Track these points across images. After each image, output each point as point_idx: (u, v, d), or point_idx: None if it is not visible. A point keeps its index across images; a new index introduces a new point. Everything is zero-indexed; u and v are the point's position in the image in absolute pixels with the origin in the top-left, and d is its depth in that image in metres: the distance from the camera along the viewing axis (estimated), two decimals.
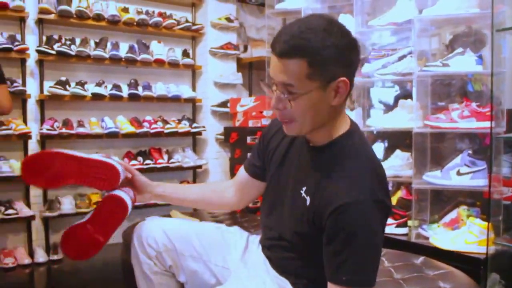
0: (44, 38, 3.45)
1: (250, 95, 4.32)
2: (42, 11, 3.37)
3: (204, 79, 4.12)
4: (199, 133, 4.03)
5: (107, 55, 3.57)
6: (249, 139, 3.76)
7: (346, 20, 2.90)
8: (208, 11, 4.04)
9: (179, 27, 3.91)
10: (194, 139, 4.17)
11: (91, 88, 3.57)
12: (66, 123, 3.47)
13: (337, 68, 1.06)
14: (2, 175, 3.11)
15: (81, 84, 3.54)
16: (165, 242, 1.38)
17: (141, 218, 1.54)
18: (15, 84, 3.26)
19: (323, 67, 1.03)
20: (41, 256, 3.28)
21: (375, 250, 1.07)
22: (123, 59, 3.65)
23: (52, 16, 3.40)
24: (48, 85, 3.40)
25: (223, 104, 4.05)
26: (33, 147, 3.43)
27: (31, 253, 3.31)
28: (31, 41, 3.43)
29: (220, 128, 4.10)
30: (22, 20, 3.39)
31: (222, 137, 4.01)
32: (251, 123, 3.81)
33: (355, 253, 1.03)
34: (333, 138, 1.16)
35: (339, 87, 1.08)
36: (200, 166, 4.01)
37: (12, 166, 3.23)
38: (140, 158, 3.75)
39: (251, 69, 4.34)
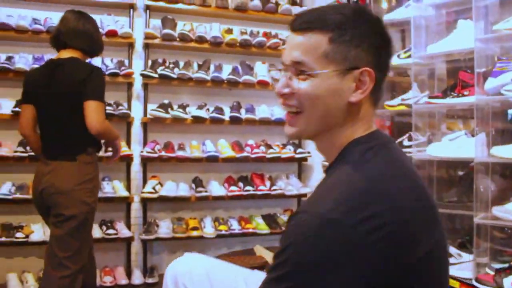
0: (150, 62, 3.67)
1: None
2: (148, 36, 3.62)
3: None
4: (305, 159, 3.90)
5: (208, 77, 3.67)
6: None
7: (466, 26, 2.58)
8: None
9: (284, 46, 3.89)
10: (300, 165, 4.04)
11: (192, 111, 3.68)
12: (167, 146, 3.60)
13: (364, 54, 0.90)
14: (106, 195, 3.30)
15: (183, 107, 3.67)
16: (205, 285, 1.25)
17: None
18: (120, 108, 3.49)
19: (347, 47, 0.89)
20: (137, 277, 3.39)
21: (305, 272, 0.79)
22: (225, 81, 3.72)
23: (157, 41, 3.62)
24: (152, 108, 3.57)
25: None
26: (136, 168, 3.61)
27: (128, 274, 3.43)
28: (138, 65, 3.69)
29: None
30: (130, 46, 3.67)
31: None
32: None
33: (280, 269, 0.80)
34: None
35: (361, 80, 0.90)
36: (304, 195, 3.85)
37: (115, 187, 3.42)
38: (240, 184, 3.72)
39: None
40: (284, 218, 3.82)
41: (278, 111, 3.86)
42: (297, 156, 3.81)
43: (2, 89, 3.47)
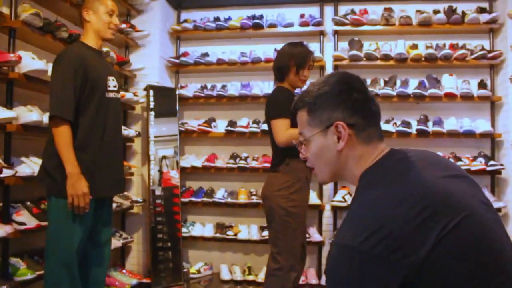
0: None
1: None
2: (336, 58, 4.17)
3: (506, 111, 4.00)
4: (498, 172, 3.90)
5: (394, 93, 4.02)
6: None
7: None
8: (508, 34, 3.98)
9: (472, 56, 4.01)
10: (493, 179, 4.04)
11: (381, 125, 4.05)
12: None
13: (333, 112, 1.21)
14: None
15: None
16: None
17: None
18: None
19: (320, 112, 1.23)
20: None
21: None
22: (411, 95, 4.01)
23: (345, 62, 4.14)
24: None
25: None
26: None
27: (319, 275, 3.97)
28: None
29: None
30: (321, 68, 4.28)
31: None
32: None
33: None
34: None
35: (339, 132, 1.21)
36: (498, 209, 3.85)
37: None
38: None
39: None
40: None
41: (467, 123, 3.97)
42: (488, 168, 3.84)
43: (218, 112, 4.43)
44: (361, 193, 1.17)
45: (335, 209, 4.13)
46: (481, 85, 4.05)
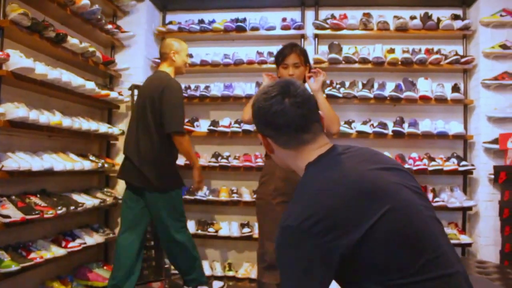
0: None
1: None
2: (316, 61, 4.33)
3: (477, 114, 4.20)
4: (470, 172, 4.09)
5: (372, 95, 4.20)
6: None
7: None
8: (480, 41, 4.18)
9: (446, 61, 4.21)
10: (465, 179, 4.23)
11: (357, 126, 4.23)
12: None
13: (258, 126, 1.53)
14: None
15: (349, 123, 4.26)
16: None
17: None
18: None
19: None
20: None
21: (288, 276, 1.22)
22: (388, 98, 4.19)
23: (324, 65, 4.30)
24: None
25: (496, 140, 4.01)
26: None
27: None
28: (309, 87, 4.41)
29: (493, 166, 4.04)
30: None
31: None
32: None
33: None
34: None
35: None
36: (469, 208, 4.04)
37: None
38: None
39: None
40: (448, 231, 4.03)
41: (441, 125, 4.16)
42: (460, 169, 4.03)
43: (201, 112, 4.57)
44: (303, 180, 1.35)
45: None
46: (455, 88, 4.24)
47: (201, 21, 4.52)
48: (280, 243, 1.23)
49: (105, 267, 3.98)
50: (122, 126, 4.33)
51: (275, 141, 1.44)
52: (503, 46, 4.11)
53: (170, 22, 4.59)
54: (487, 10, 4.19)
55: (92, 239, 3.76)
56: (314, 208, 1.20)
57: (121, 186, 4.31)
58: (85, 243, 3.63)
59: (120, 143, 4.33)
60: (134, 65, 4.34)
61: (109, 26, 4.04)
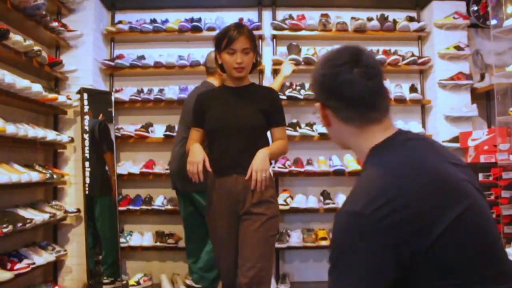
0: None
1: (489, 127, 4.21)
2: (275, 62, 4.19)
3: (434, 113, 4.24)
4: None
5: None
6: (480, 176, 3.69)
7: None
8: (435, 42, 4.23)
9: (404, 62, 4.21)
10: None
11: (319, 129, 4.13)
12: (296, 162, 4.08)
13: (317, 95, 1.32)
14: None
15: (310, 125, 4.14)
16: None
17: None
18: None
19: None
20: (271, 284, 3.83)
21: (343, 269, 1.05)
22: None
23: None
24: None
25: (456, 139, 4.06)
26: None
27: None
28: None
29: None
30: (261, 72, 4.29)
31: None
32: (482, 159, 3.73)
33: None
34: None
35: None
36: None
37: None
38: None
39: (488, 99, 4.26)
40: None
41: (400, 125, 4.13)
42: None
43: (156, 116, 4.28)
44: (371, 163, 1.17)
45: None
46: (412, 89, 4.25)
47: (153, 21, 4.24)
48: (342, 230, 1.05)
49: None
50: (70, 133, 3.95)
51: (337, 114, 1.23)
52: (457, 47, 4.17)
53: (120, 22, 4.26)
54: (440, 12, 4.26)
55: (41, 258, 3.36)
56: (389, 195, 1.02)
57: (70, 198, 3.93)
58: (33, 263, 3.23)
59: (69, 152, 3.96)
60: (82, 67, 3.97)
61: (55, 24, 3.68)
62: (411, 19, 4.33)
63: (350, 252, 1.02)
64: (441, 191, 1.05)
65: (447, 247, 1.00)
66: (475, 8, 4.35)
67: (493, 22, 3.77)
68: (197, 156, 2.33)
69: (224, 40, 2.38)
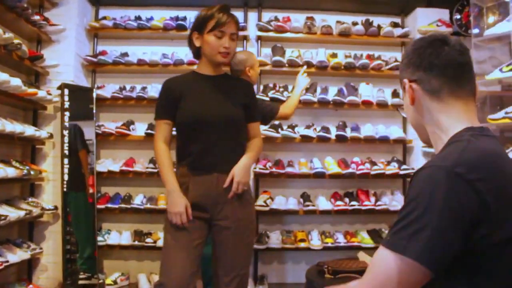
0: (261, 87, 4.21)
1: None
2: (260, 63, 4.15)
3: None
4: (409, 176, 4.12)
5: (315, 99, 4.11)
6: None
7: None
8: None
9: (387, 67, 4.22)
10: (405, 182, 4.27)
11: (301, 131, 4.12)
12: (278, 163, 4.07)
13: (404, 72, 1.29)
14: None
15: (292, 127, 4.13)
16: None
17: None
18: None
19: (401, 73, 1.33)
20: (248, 285, 3.79)
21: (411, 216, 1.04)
22: (331, 102, 4.12)
23: (268, 67, 4.15)
24: (262, 128, 4.07)
25: None
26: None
27: None
28: None
29: None
30: None
31: None
32: None
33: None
34: None
35: (406, 90, 1.29)
36: None
37: None
38: (346, 199, 4.05)
39: None
40: None
41: (382, 130, 4.16)
42: (401, 172, 4.05)
43: (138, 114, 4.22)
44: (456, 142, 1.15)
45: (257, 214, 4.09)
46: (394, 94, 4.27)
47: (138, 18, 4.18)
48: (441, 184, 1.02)
49: (29, 286, 3.51)
50: (49, 129, 3.87)
51: (424, 86, 1.22)
52: None
53: (104, 18, 4.20)
54: (424, 19, 4.28)
55: (15, 256, 3.29)
56: (478, 166, 1.05)
57: (47, 195, 3.86)
58: (7, 261, 3.15)
59: (47, 148, 3.89)
60: (64, 62, 3.89)
61: (36, 17, 3.60)
62: (395, 25, 4.34)
63: (447, 211, 1.00)
64: None
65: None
66: (458, 16, 4.39)
67: (475, 31, 3.81)
68: (179, 205, 2.13)
69: (210, 20, 2.19)
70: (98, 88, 4.14)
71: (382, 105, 4.18)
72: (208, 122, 2.22)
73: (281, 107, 3.34)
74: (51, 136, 3.77)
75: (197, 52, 2.32)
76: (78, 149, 3.84)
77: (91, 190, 3.87)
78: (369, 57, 4.27)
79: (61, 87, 3.78)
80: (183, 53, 4.16)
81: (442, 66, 1.19)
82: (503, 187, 1.04)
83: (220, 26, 2.19)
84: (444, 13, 4.34)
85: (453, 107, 1.20)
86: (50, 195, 3.87)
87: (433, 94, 1.21)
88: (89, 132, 3.94)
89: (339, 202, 4.00)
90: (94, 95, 4.02)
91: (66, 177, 3.71)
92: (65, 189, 3.70)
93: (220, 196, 2.21)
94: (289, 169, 4.03)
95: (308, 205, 3.98)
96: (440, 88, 1.20)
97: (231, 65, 3.19)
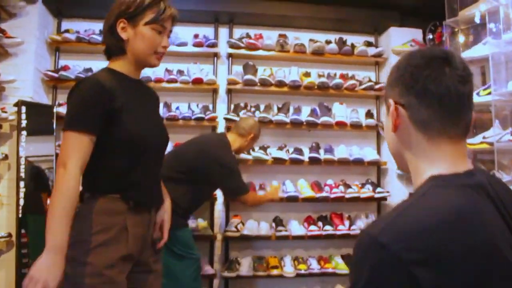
0: (232, 106, 4.04)
1: None
2: (230, 82, 4.00)
3: None
4: (384, 199, 4.01)
5: (288, 119, 3.96)
6: None
7: None
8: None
9: (361, 87, 4.12)
10: (379, 205, 4.15)
11: (273, 152, 3.96)
12: (249, 186, 3.88)
13: (392, 90, 1.07)
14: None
15: (264, 148, 3.97)
16: None
17: None
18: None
19: (387, 90, 1.10)
20: None
21: None
22: (304, 123, 3.98)
23: (239, 86, 3.98)
24: None
25: None
26: (219, 208, 3.93)
27: None
28: (221, 109, 4.07)
29: (407, 193, 4.01)
30: (214, 92, 4.07)
31: None
32: None
33: None
34: None
35: (391, 111, 1.08)
36: None
37: (199, 225, 3.72)
38: (320, 223, 3.89)
39: None
40: None
41: (356, 151, 4.04)
42: (376, 195, 3.93)
43: None
44: (420, 192, 0.95)
45: (227, 239, 3.90)
46: (368, 114, 4.16)
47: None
48: (360, 254, 0.87)
49: None
50: (4, 149, 3.58)
51: (411, 114, 1.00)
52: None
53: (67, 30, 3.94)
54: (397, 39, 4.21)
55: None
56: (415, 238, 0.83)
57: (0, 221, 3.56)
58: None
59: (2, 169, 3.60)
60: (22, 77, 3.61)
61: None
62: (369, 44, 4.25)
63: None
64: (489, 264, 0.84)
65: None
66: (431, 36, 4.34)
67: None
68: (57, 276, 1.47)
69: (151, 8, 1.68)
70: (59, 105, 3.87)
71: (356, 126, 4.06)
72: (152, 145, 1.74)
73: (249, 195, 3.21)
74: (5, 157, 3.49)
75: (118, 47, 1.70)
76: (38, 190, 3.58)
77: None
78: (343, 76, 4.16)
79: (18, 104, 3.50)
80: (150, 70, 3.94)
81: (438, 95, 0.97)
82: (454, 268, 0.81)
83: (163, 20, 1.69)
84: (417, 33, 4.27)
85: (438, 148, 0.99)
86: (4, 220, 3.57)
87: (421, 125, 1.00)
88: (48, 148, 3.67)
89: (312, 227, 3.84)
90: (55, 112, 3.77)
91: (21, 201, 3.42)
92: (20, 215, 3.42)
93: (150, 237, 1.78)
94: (261, 192, 3.85)
95: (280, 230, 3.80)
96: (430, 121, 0.98)
97: (238, 121, 3.31)
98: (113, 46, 1.72)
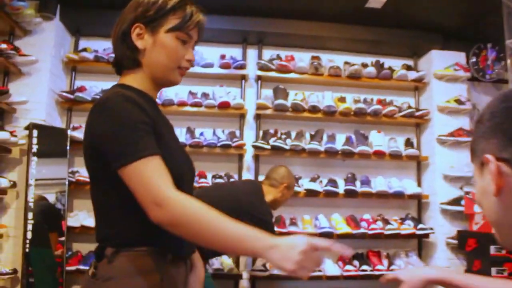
0: (261, 133, 3.71)
1: None
2: (259, 106, 3.68)
3: (432, 171, 3.80)
4: (426, 236, 3.63)
5: (322, 148, 3.62)
6: (492, 249, 3.20)
7: None
8: (433, 94, 3.85)
9: (400, 114, 3.79)
10: (420, 242, 3.76)
11: (305, 184, 3.61)
12: (278, 221, 3.52)
13: (487, 143, 0.82)
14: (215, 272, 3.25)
15: (296, 179, 3.60)
16: None
17: None
18: (231, 180, 3.52)
19: (475, 144, 0.85)
20: None
21: None
22: (340, 152, 3.64)
23: (269, 111, 3.66)
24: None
25: (456, 201, 3.62)
26: None
27: None
28: (249, 136, 3.74)
29: (453, 230, 3.63)
30: (242, 117, 3.75)
31: (455, 241, 3.53)
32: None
33: None
34: None
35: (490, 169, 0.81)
36: None
37: (224, 262, 3.37)
38: (356, 263, 3.51)
39: None
40: None
41: (395, 183, 3.68)
42: (418, 232, 3.56)
43: None
44: None
45: (254, 279, 3.51)
46: (408, 143, 3.82)
47: None
48: None
49: None
50: (13, 176, 3.25)
51: None
52: (458, 101, 3.79)
53: (84, 49, 3.65)
54: (439, 63, 3.90)
55: None
56: None
57: (5, 255, 3.20)
58: None
59: (9, 198, 3.25)
60: (35, 99, 3.31)
61: (3, 46, 3.05)
62: (408, 67, 3.94)
63: None
64: None
65: None
66: (475, 59, 4.02)
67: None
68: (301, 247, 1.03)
69: (174, 13, 1.30)
70: (74, 129, 3.55)
71: (395, 156, 3.71)
72: (186, 181, 1.33)
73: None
74: (14, 184, 3.15)
75: (132, 58, 1.31)
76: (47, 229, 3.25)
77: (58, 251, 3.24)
78: (381, 102, 3.83)
79: (29, 127, 3.19)
80: (173, 92, 3.64)
81: None
82: None
83: (189, 27, 1.32)
84: (460, 56, 3.96)
85: None
86: (9, 255, 3.21)
87: None
88: (61, 171, 3.34)
89: (348, 267, 3.46)
90: (69, 136, 3.45)
91: (29, 234, 3.07)
92: (27, 249, 3.06)
93: None
94: (291, 228, 3.49)
95: (314, 271, 3.41)
96: None
97: (268, 172, 2.94)
98: (125, 57, 1.32)
